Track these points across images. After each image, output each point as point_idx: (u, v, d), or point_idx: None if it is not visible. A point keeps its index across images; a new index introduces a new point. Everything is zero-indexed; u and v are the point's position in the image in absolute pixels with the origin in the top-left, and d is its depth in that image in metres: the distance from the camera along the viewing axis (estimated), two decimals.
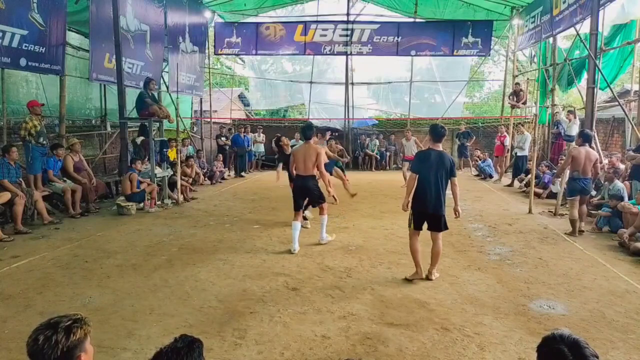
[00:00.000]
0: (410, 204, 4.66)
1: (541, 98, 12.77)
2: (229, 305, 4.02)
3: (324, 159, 5.83)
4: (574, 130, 10.44)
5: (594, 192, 7.76)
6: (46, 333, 1.64)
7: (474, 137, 14.64)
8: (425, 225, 4.69)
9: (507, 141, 13.16)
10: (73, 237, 6.37)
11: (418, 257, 4.67)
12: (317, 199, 6.03)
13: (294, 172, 6.03)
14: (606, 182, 7.68)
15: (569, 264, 5.24)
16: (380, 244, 6.13)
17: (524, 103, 14.17)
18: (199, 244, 6.08)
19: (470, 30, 15.24)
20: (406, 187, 4.83)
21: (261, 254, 5.58)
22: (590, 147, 6.62)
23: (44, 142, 7.62)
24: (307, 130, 5.94)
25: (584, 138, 6.60)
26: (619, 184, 7.21)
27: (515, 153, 11.76)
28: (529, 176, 9.08)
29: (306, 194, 5.95)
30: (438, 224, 4.61)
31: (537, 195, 9.21)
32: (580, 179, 6.49)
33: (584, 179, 6.49)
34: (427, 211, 4.58)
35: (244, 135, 14.33)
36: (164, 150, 9.30)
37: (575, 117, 10.47)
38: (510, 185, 11.70)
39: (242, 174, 13.80)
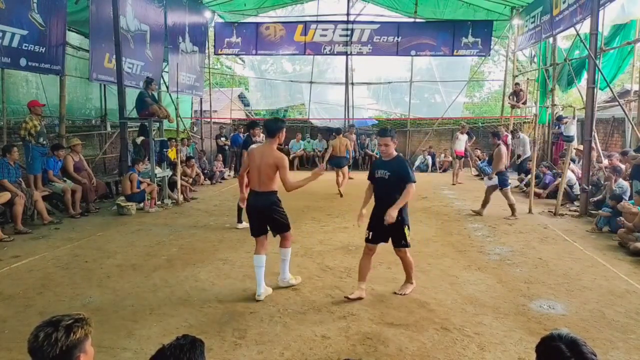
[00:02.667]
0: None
1: (541, 98, 12.77)
2: (229, 305, 4.02)
3: (287, 169, 4.12)
4: (572, 131, 10.44)
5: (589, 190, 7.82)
6: (46, 330, 1.65)
7: (474, 137, 14.64)
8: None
9: (509, 141, 13.15)
10: (73, 237, 6.37)
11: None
12: (279, 227, 4.33)
13: (245, 180, 4.55)
14: (606, 182, 7.69)
15: (569, 264, 5.24)
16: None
17: (524, 103, 14.17)
18: (199, 244, 6.08)
19: (470, 30, 15.23)
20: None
21: None
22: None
23: (44, 142, 7.62)
24: (271, 123, 4.27)
25: (498, 137, 8.20)
26: (623, 182, 7.23)
27: (518, 156, 11.72)
28: (529, 176, 9.08)
29: (264, 219, 4.24)
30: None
31: (537, 195, 9.21)
32: (507, 170, 7.99)
33: (508, 171, 8.05)
34: None
35: (244, 135, 14.28)
36: (164, 150, 9.30)
37: (574, 118, 10.46)
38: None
39: None
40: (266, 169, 4.08)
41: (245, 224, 6.76)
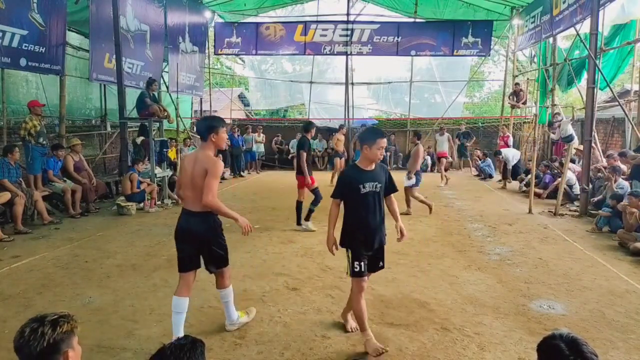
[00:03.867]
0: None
1: (541, 98, 12.76)
2: None
3: (217, 177, 3.22)
4: (569, 131, 10.46)
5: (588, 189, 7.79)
6: (32, 326, 1.66)
7: (474, 137, 14.64)
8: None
9: (511, 141, 13.10)
10: (73, 237, 6.37)
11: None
12: (216, 260, 3.44)
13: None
14: (607, 182, 7.68)
15: (569, 264, 5.24)
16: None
17: (524, 103, 14.17)
18: None
19: (470, 30, 15.24)
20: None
21: (261, 254, 5.58)
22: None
23: (44, 142, 7.62)
24: (200, 123, 3.56)
25: (419, 137, 8.41)
26: (623, 182, 7.23)
27: (504, 164, 11.59)
28: (529, 176, 9.08)
29: (194, 245, 3.41)
30: None
31: (537, 195, 9.21)
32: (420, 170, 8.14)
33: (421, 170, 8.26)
34: None
35: (238, 136, 14.17)
36: (164, 150, 9.31)
37: (572, 120, 10.47)
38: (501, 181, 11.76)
39: (242, 173, 13.78)
40: (199, 180, 3.17)
41: (307, 223, 6.72)
